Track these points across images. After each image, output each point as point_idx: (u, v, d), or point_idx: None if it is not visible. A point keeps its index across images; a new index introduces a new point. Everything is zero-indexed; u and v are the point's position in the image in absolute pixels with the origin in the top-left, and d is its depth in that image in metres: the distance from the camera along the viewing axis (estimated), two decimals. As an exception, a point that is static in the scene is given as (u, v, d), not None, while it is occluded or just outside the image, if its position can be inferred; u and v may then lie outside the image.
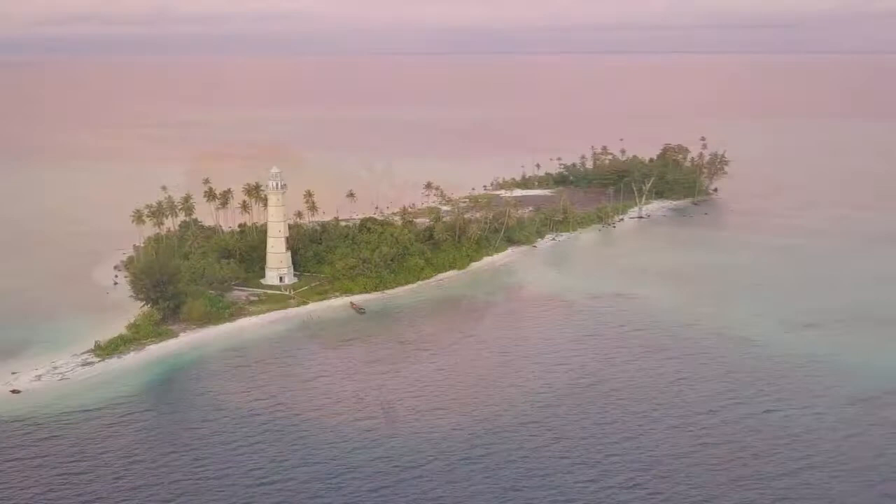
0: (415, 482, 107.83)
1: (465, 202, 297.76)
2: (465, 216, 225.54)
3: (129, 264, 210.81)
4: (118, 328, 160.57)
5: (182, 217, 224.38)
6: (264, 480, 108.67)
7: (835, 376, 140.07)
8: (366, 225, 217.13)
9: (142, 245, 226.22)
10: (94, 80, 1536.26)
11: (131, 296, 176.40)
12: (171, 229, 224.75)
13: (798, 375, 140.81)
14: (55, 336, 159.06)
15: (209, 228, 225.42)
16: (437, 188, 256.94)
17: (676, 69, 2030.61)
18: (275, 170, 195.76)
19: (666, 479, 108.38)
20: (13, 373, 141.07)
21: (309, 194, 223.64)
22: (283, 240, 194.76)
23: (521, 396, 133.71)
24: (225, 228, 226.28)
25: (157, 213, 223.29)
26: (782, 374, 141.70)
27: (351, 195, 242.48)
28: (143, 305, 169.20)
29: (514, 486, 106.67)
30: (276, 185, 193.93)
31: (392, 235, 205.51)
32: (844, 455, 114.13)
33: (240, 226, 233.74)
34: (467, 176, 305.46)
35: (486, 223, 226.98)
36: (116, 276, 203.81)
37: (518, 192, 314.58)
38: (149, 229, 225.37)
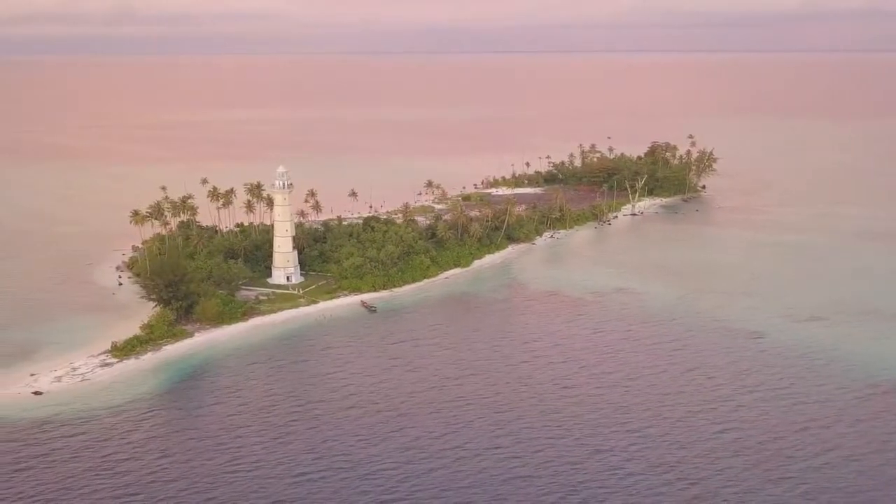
0: (445, 472, 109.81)
1: (457, 200, 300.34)
2: (468, 214, 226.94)
3: (131, 265, 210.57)
4: (129, 329, 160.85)
5: (183, 217, 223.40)
6: (301, 473, 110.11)
7: (843, 366, 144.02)
8: (369, 224, 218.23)
9: (141, 246, 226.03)
10: (54, 80, 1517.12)
11: (142, 297, 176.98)
12: (172, 229, 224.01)
13: (807, 365, 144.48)
14: (67, 337, 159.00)
15: (208, 228, 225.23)
16: (438, 186, 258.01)
17: (647, 68, 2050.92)
18: (281, 169, 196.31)
19: (692, 465, 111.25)
20: (31, 374, 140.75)
21: (312, 194, 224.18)
22: (289, 239, 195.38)
23: (540, 388, 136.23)
24: (222, 228, 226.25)
25: (157, 213, 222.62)
26: (790, 363, 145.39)
27: (353, 194, 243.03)
28: (155, 306, 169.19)
29: (541, 474, 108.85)
30: (283, 184, 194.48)
31: (396, 234, 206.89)
32: (858, 440, 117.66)
33: (236, 225, 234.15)
34: (453, 175, 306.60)
35: (487, 221, 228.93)
36: (120, 277, 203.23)
37: (509, 191, 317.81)
38: (146, 230, 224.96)
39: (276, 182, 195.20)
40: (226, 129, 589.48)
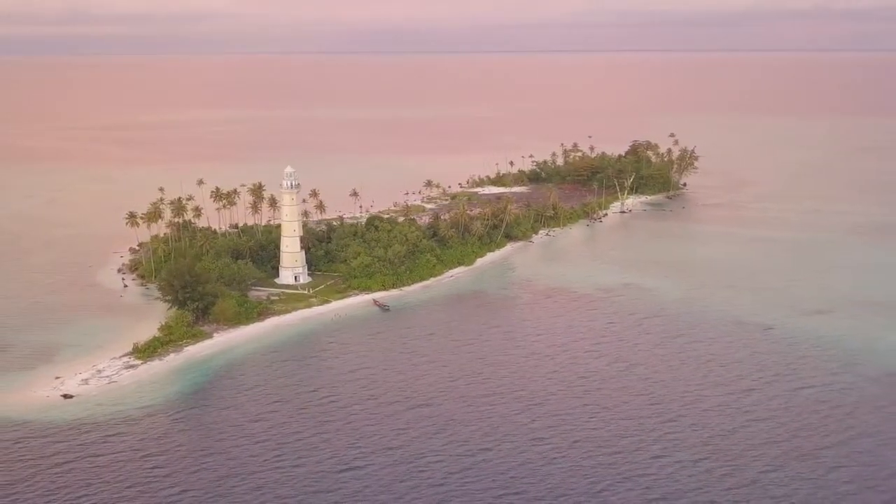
0: (486, 465, 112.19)
1: (445, 200, 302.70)
2: (469, 213, 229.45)
3: (134, 267, 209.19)
4: (144, 330, 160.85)
5: (186, 218, 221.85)
6: (346, 466, 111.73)
7: (855, 355, 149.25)
8: (373, 223, 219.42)
9: (138, 248, 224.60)
10: (7, 81, 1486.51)
11: (157, 298, 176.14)
12: (167, 231, 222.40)
13: (819, 356, 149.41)
14: (83, 340, 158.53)
15: (205, 230, 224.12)
16: (437, 185, 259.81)
17: (605, 67, 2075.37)
18: (289, 169, 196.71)
19: (723, 454, 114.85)
20: (56, 377, 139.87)
21: (314, 193, 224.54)
22: (297, 239, 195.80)
23: (567, 380, 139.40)
24: (218, 229, 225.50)
25: (155, 214, 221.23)
26: (803, 354, 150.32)
27: (354, 194, 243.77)
28: (170, 308, 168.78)
29: (583, 462, 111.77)
30: (291, 184, 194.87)
31: (401, 233, 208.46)
32: (879, 425, 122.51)
33: (232, 226, 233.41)
34: (433, 174, 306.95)
35: (486, 220, 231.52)
36: (124, 279, 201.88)
37: (498, 190, 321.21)
38: (142, 232, 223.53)
39: (284, 182, 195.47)
40: (195, 129, 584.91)
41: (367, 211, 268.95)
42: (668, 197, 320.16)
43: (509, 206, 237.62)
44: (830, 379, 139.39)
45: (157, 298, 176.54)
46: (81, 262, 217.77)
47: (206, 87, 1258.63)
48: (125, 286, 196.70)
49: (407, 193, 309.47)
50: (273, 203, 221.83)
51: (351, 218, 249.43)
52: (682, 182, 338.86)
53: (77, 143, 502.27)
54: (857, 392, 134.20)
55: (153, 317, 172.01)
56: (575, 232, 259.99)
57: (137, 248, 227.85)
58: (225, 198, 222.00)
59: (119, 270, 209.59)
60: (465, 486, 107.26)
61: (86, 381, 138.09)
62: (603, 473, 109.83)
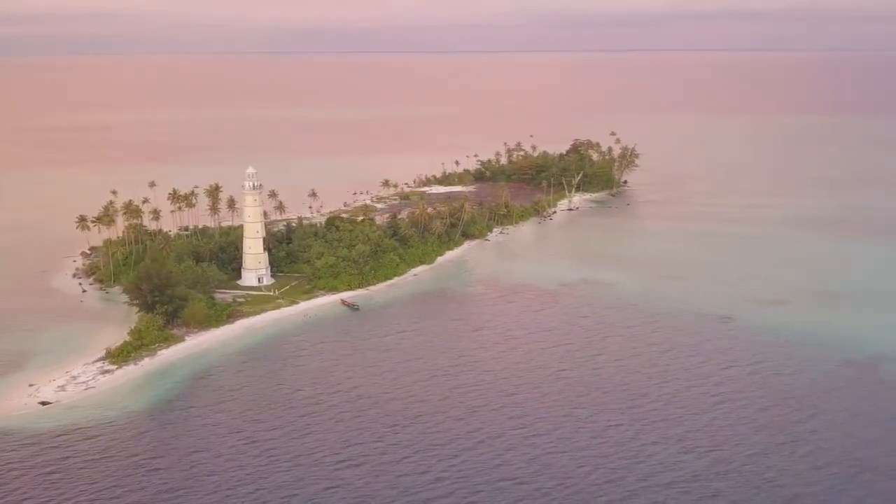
0: (473, 454, 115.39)
1: (395, 200, 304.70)
2: (429, 211, 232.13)
3: (91, 271, 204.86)
4: (110, 335, 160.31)
5: (136, 221, 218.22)
6: (341, 461, 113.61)
7: (809, 343, 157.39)
8: (333, 223, 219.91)
9: (90, 251, 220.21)
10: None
11: (125, 302, 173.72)
12: (122, 235, 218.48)
13: (777, 343, 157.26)
14: (52, 346, 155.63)
15: (158, 232, 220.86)
16: (395, 185, 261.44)
17: (528, 67, 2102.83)
18: (250, 170, 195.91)
19: (700, 432, 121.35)
20: (30, 385, 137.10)
21: (274, 194, 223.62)
22: (260, 240, 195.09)
23: (539, 372, 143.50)
24: (168, 231, 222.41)
25: (107, 217, 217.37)
26: (762, 342, 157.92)
27: (313, 194, 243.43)
28: (138, 311, 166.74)
29: (564, 449, 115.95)
30: (253, 185, 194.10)
31: (363, 233, 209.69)
32: (844, 406, 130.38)
33: (182, 228, 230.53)
34: (376, 174, 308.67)
35: (444, 219, 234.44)
36: (81, 284, 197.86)
37: (442, 189, 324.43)
38: (93, 235, 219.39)
39: (246, 183, 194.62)
40: (125, 131, 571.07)
41: (318, 212, 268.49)
42: (611, 194, 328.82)
43: (466, 205, 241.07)
44: (790, 364, 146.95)
45: (125, 302, 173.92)
46: (31, 267, 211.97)
47: (125, 88, 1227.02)
48: (84, 291, 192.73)
49: (355, 193, 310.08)
50: (232, 204, 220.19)
51: (304, 219, 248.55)
52: (622, 180, 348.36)
53: (3, 146, 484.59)
54: (820, 379, 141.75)
55: (117, 321, 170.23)
56: (527, 230, 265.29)
57: (89, 251, 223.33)
58: (183, 199, 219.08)
59: (74, 275, 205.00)
60: (462, 476, 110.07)
61: (62, 388, 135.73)
62: (593, 466, 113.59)
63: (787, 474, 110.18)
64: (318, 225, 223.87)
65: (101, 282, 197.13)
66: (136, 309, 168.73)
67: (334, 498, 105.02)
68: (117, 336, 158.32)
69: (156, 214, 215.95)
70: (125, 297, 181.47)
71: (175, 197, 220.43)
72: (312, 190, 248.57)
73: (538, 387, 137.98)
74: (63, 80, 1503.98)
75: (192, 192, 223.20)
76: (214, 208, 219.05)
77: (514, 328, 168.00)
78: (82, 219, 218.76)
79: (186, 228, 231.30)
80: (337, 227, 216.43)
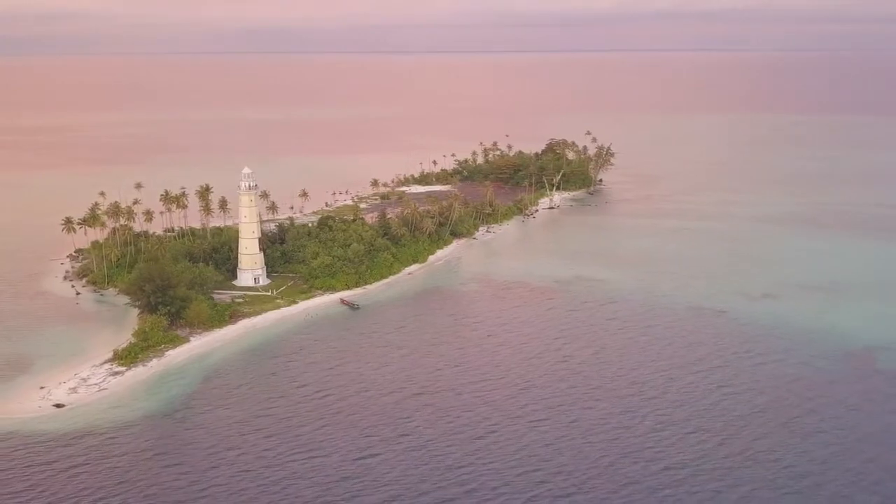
0: (488, 443, 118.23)
1: (376, 199, 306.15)
2: (420, 210, 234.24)
3: (83, 273, 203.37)
4: (111, 336, 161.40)
5: (124, 222, 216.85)
6: (362, 454, 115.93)
7: (803, 334, 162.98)
8: (326, 223, 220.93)
9: (76, 253, 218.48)
10: None
11: (127, 304, 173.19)
12: (112, 236, 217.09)
13: (772, 335, 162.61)
14: (54, 349, 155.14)
15: (144, 233, 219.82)
16: (385, 184, 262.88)
17: (485, 67, 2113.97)
18: (246, 170, 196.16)
19: (705, 417, 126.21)
20: (41, 387, 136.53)
21: (265, 195, 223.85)
22: (256, 240, 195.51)
23: (547, 365, 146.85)
24: (155, 233, 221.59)
25: (95, 219, 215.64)
26: (757, 334, 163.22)
27: (304, 195, 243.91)
28: (140, 313, 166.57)
29: (583, 443, 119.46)
30: (248, 185, 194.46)
31: (356, 233, 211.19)
32: (834, 395, 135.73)
33: (167, 230, 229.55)
34: (351, 174, 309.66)
35: (433, 218, 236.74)
36: (73, 286, 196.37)
37: (420, 189, 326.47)
38: (79, 237, 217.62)
39: (242, 184, 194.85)
40: (93, 132, 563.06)
41: (301, 212, 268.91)
42: (588, 193, 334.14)
43: (455, 204, 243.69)
44: (787, 356, 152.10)
45: (126, 303, 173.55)
46: (19, 270, 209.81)
47: (89, 89, 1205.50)
48: (77, 293, 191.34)
49: (335, 193, 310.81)
50: (224, 205, 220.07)
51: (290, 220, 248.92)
52: (598, 178, 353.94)
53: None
54: (813, 366, 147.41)
55: (116, 322, 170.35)
56: (512, 228, 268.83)
57: (76, 254, 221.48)
58: (174, 201, 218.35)
59: (66, 278, 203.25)
60: (478, 467, 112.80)
61: (74, 390, 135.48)
62: (605, 449, 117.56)
63: (791, 453, 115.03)
64: (311, 225, 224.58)
65: (94, 284, 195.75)
66: (133, 310, 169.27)
67: (347, 489, 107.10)
68: (117, 337, 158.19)
69: (148, 216, 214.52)
70: (120, 299, 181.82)
71: (167, 198, 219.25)
72: (303, 190, 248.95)
73: (544, 381, 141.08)
74: (23, 81, 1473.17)
75: (183, 192, 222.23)
76: (207, 209, 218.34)
77: (514, 324, 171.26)
78: (68, 221, 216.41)
79: (172, 230, 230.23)
80: (330, 227, 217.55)
